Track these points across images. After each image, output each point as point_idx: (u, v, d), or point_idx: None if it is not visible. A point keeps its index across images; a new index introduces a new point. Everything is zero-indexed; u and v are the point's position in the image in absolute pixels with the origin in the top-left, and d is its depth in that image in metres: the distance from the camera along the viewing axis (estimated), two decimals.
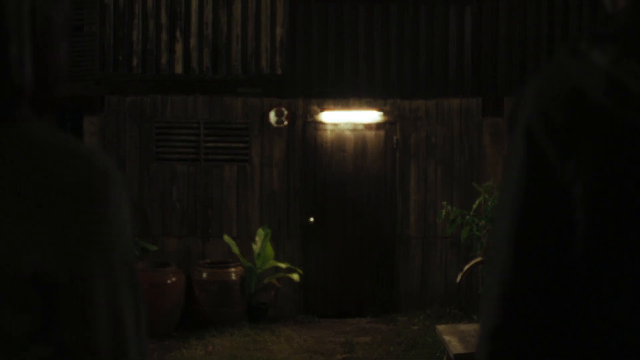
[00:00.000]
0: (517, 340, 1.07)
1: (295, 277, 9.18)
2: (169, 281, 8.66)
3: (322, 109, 9.72)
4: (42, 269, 1.01)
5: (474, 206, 8.11)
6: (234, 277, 8.99)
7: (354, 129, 9.77)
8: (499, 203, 1.13)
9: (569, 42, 1.07)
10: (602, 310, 1.04)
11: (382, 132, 9.78)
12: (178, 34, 9.56)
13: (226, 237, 9.32)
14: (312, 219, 9.68)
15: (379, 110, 9.77)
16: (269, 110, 9.60)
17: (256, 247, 9.23)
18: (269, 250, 9.21)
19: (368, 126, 9.77)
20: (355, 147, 9.77)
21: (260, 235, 9.26)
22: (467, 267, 7.57)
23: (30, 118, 1.06)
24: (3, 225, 0.99)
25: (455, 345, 5.75)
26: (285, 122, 9.59)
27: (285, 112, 9.58)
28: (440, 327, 6.30)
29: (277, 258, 9.41)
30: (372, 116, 9.77)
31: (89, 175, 1.04)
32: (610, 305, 1.04)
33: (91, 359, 1.05)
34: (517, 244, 1.07)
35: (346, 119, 9.74)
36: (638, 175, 1.01)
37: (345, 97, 9.71)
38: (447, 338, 5.95)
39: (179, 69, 9.57)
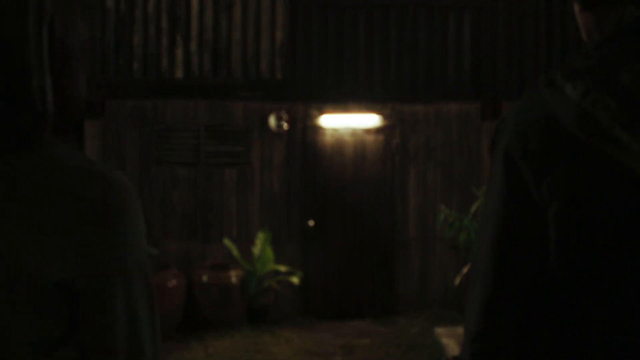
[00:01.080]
0: (497, 343, 1.17)
1: (295, 279, 9.23)
2: (169, 283, 8.72)
3: (322, 113, 9.78)
4: (66, 278, 1.11)
5: (472, 210, 8.17)
6: (234, 279, 9.04)
7: (354, 132, 9.82)
8: (481, 219, 1.22)
9: (545, 75, 1.16)
10: (575, 315, 1.14)
11: (381, 136, 9.84)
12: (179, 38, 9.62)
13: (226, 240, 9.37)
14: (312, 222, 9.73)
15: (379, 114, 9.82)
16: (269, 114, 9.66)
17: (256, 250, 9.29)
18: (269, 253, 9.26)
19: (367, 130, 9.83)
20: (355, 151, 9.83)
21: (260, 238, 9.31)
22: (465, 269, 7.63)
23: (54, 142, 1.17)
24: (32, 237, 1.10)
25: (453, 348, 5.81)
26: (285, 126, 9.65)
27: (285, 116, 9.64)
28: (439, 330, 6.35)
29: (277, 260, 9.47)
30: (371, 120, 9.83)
31: (108, 193, 1.15)
32: (580, 311, 1.14)
33: None
34: (496, 256, 1.17)
35: (346, 123, 9.80)
36: (603, 198, 1.11)
37: (344, 101, 9.77)
38: (445, 341, 6.01)
39: (179, 73, 9.63)
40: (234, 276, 9.07)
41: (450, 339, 6.03)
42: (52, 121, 1.16)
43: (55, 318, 1.13)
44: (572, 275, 1.14)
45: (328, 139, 9.79)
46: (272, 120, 9.63)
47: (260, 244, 9.29)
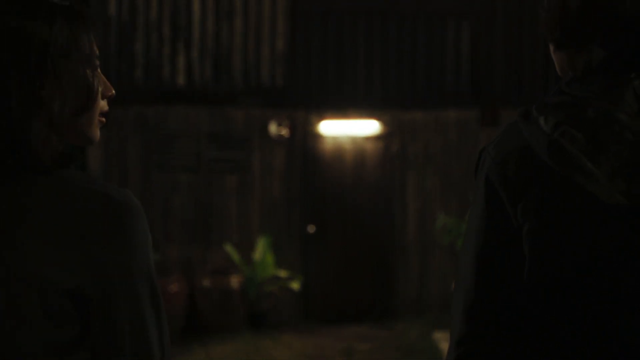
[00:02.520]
0: (478, 347, 1.32)
1: (295, 284, 9.32)
2: (171, 288, 8.81)
3: (322, 120, 9.88)
4: (76, 286, 1.24)
5: None
6: (235, 285, 9.14)
7: (353, 139, 9.92)
8: (465, 236, 1.37)
9: (524, 108, 1.31)
10: (545, 322, 1.30)
11: (380, 143, 9.94)
12: (180, 45, 9.72)
13: (227, 246, 9.46)
14: (312, 228, 9.82)
15: (378, 120, 9.92)
16: (270, 121, 9.75)
17: (257, 255, 9.37)
18: (269, 258, 9.35)
19: (367, 137, 9.93)
20: (355, 157, 9.93)
21: (260, 243, 9.40)
22: None
23: (63, 164, 1.31)
24: (45, 251, 1.24)
25: None
26: (286, 133, 9.74)
27: (286, 123, 9.73)
28: (438, 335, 6.44)
29: (278, 266, 9.54)
30: (371, 127, 9.93)
31: (112, 209, 1.27)
32: (550, 319, 1.29)
33: None
34: (477, 270, 1.32)
35: (345, 130, 9.89)
36: (570, 220, 1.26)
37: (344, 108, 9.86)
38: (443, 346, 6.10)
39: (181, 80, 9.73)
40: (234, 281, 9.17)
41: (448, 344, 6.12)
42: (39, 153, 1.28)
43: (67, 324, 1.25)
44: (543, 288, 1.28)
45: (328, 145, 9.89)
46: (272, 127, 9.71)
47: (260, 249, 9.37)
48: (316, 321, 9.69)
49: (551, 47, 1.39)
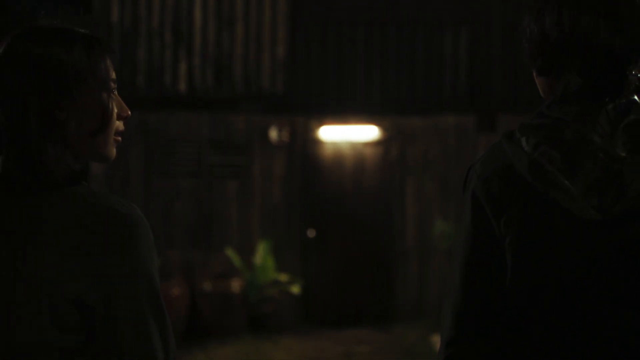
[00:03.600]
0: (465, 348, 1.43)
1: (296, 288, 9.40)
2: (172, 292, 8.89)
3: (322, 126, 9.96)
4: (80, 296, 1.33)
5: None
6: (235, 288, 9.22)
7: (353, 144, 10.00)
8: (454, 247, 1.51)
9: (508, 131, 1.44)
10: (529, 324, 1.42)
11: (380, 148, 10.02)
12: (182, 52, 9.81)
13: (228, 250, 9.53)
14: (312, 232, 9.90)
15: (377, 127, 10.01)
16: (270, 127, 9.83)
17: (257, 259, 9.45)
18: (270, 262, 9.42)
19: (366, 142, 10.02)
20: (354, 163, 10.01)
21: (261, 247, 9.47)
22: None
23: (70, 184, 1.41)
24: (54, 262, 1.33)
25: None
26: (286, 138, 9.82)
27: (286, 129, 9.82)
28: (436, 338, 6.52)
29: (278, 269, 9.61)
30: (370, 133, 10.02)
31: (118, 221, 1.37)
32: (533, 321, 1.41)
33: None
34: (464, 277, 1.45)
35: (345, 136, 9.98)
36: (547, 232, 1.39)
37: (344, 114, 9.95)
38: None
39: (182, 86, 9.81)
40: (235, 285, 9.25)
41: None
42: (53, 171, 1.39)
43: (72, 329, 1.34)
44: (523, 293, 1.40)
45: (328, 151, 9.98)
46: (273, 133, 9.79)
47: (261, 253, 9.44)
48: (316, 324, 9.76)
49: (534, 73, 1.52)
